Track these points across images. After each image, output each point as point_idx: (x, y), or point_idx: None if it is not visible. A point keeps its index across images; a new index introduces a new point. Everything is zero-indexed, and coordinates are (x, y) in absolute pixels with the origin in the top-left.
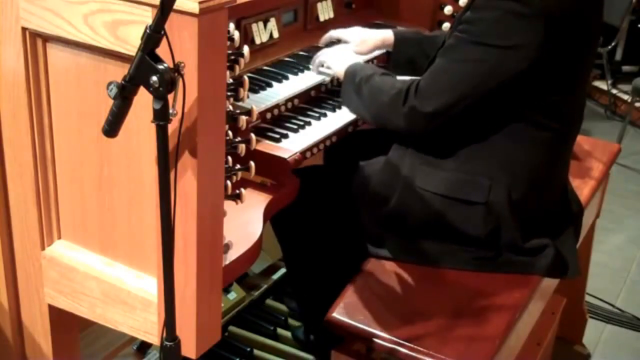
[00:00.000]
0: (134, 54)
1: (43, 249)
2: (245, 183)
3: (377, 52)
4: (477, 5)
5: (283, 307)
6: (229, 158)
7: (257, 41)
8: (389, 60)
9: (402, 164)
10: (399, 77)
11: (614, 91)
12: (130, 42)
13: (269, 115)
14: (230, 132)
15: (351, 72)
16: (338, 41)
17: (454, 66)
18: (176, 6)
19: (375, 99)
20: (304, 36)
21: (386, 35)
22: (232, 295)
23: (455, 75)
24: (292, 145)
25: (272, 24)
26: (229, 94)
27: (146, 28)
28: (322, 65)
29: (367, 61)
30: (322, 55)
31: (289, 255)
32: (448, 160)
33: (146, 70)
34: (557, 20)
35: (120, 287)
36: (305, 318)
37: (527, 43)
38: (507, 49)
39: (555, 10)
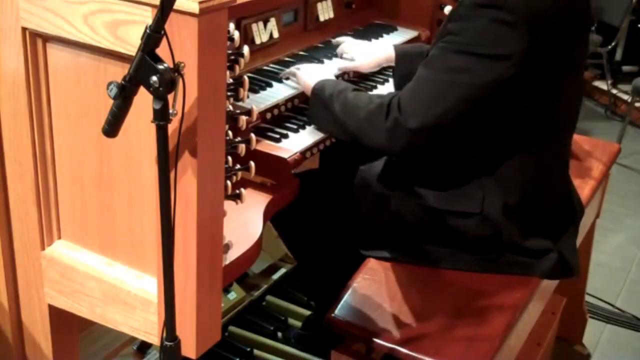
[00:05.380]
0: (134, 54)
1: (43, 249)
2: (245, 183)
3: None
4: (459, 15)
5: (283, 307)
6: (229, 158)
7: (257, 41)
8: (393, 77)
9: (396, 177)
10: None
11: (614, 91)
12: (130, 42)
13: (269, 115)
14: (230, 132)
15: (319, 87)
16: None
17: (439, 76)
18: (176, 6)
19: (350, 114)
20: (304, 36)
21: (389, 52)
22: (232, 295)
23: (440, 85)
24: (292, 145)
25: (272, 24)
26: (229, 94)
27: (146, 28)
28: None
29: (338, 77)
30: (295, 69)
31: (297, 250)
32: (438, 174)
33: (146, 70)
34: (542, 25)
35: (120, 287)
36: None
37: (514, 50)
38: (493, 57)
39: (540, 15)
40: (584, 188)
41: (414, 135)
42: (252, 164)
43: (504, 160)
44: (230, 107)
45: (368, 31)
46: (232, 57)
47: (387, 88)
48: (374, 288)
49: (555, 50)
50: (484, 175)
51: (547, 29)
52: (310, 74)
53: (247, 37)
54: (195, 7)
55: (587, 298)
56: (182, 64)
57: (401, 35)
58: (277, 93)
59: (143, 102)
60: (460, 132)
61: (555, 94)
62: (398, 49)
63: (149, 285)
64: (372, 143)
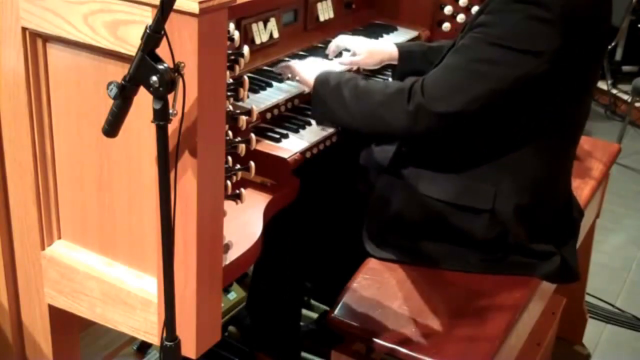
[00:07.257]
0: (134, 54)
1: (43, 249)
2: (245, 183)
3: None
4: (493, 9)
5: None
6: (229, 158)
7: (257, 41)
8: (394, 74)
9: (404, 169)
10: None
11: (614, 91)
12: (130, 42)
13: (269, 115)
14: (230, 132)
15: (322, 78)
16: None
17: (469, 65)
18: (176, 6)
19: (362, 100)
20: (304, 36)
21: (392, 49)
22: (232, 295)
23: (470, 74)
24: (292, 145)
25: (272, 24)
26: (229, 94)
27: (146, 28)
28: (289, 77)
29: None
30: (293, 64)
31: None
32: (451, 167)
33: (146, 70)
34: (575, 24)
35: (120, 287)
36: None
37: (547, 47)
38: (526, 53)
39: (574, 14)
40: (584, 188)
41: (438, 120)
42: (252, 164)
43: (519, 157)
44: (230, 107)
45: (368, 31)
46: (232, 57)
47: None
48: (374, 288)
49: (587, 48)
50: (498, 172)
51: (582, 26)
52: (309, 66)
53: (247, 37)
54: (195, 7)
55: (587, 298)
56: (182, 64)
57: (401, 35)
58: (277, 93)
59: (143, 102)
60: (479, 123)
61: (578, 92)
62: (401, 47)
63: (149, 285)
64: (388, 127)
